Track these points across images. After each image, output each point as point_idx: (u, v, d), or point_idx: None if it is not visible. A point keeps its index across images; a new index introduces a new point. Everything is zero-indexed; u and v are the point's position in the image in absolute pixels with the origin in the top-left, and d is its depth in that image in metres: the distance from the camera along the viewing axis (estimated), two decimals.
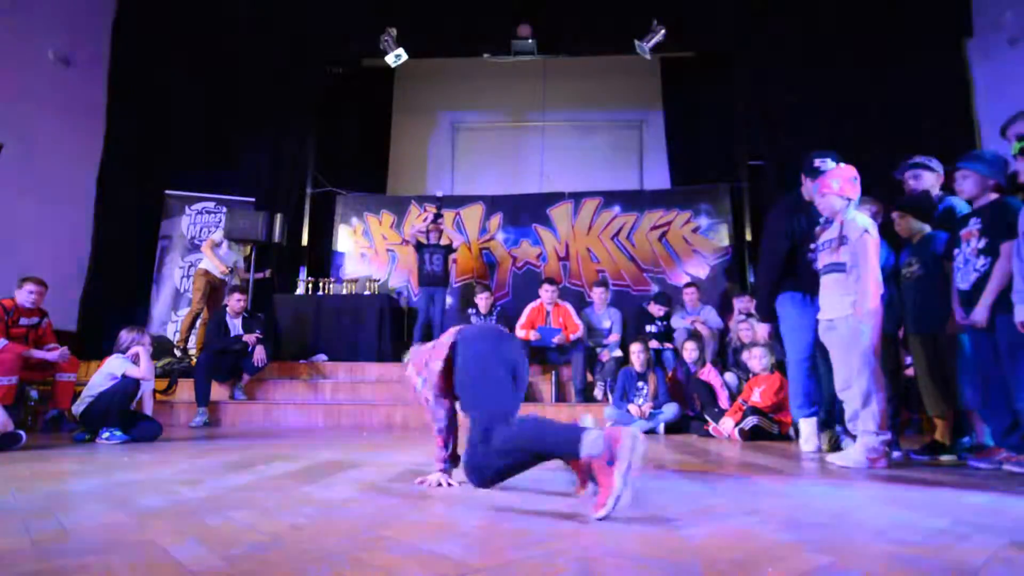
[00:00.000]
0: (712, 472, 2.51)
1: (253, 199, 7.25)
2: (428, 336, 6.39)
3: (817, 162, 3.31)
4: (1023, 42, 6.12)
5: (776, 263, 3.37)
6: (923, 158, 3.29)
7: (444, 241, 6.55)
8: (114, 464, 2.69)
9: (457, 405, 2.12)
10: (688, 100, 8.09)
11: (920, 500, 1.86)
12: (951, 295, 2.80)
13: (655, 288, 7.07)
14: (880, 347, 2.73)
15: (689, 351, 4.93)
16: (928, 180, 3.25)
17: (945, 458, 2.95)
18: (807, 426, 3.32)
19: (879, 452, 2.63)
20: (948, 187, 3.16)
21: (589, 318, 5.97)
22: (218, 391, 5.30)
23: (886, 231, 3.22)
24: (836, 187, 2.80)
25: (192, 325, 6.15)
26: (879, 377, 2.68)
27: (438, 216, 6.46)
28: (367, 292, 7.01)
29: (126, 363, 3.85)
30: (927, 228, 3.10)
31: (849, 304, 2.72)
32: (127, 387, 3.77)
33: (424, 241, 6.49)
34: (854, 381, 2.72)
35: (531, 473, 1.79)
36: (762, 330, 3.79)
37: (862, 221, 2.74)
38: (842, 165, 2.92)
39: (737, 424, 4.10)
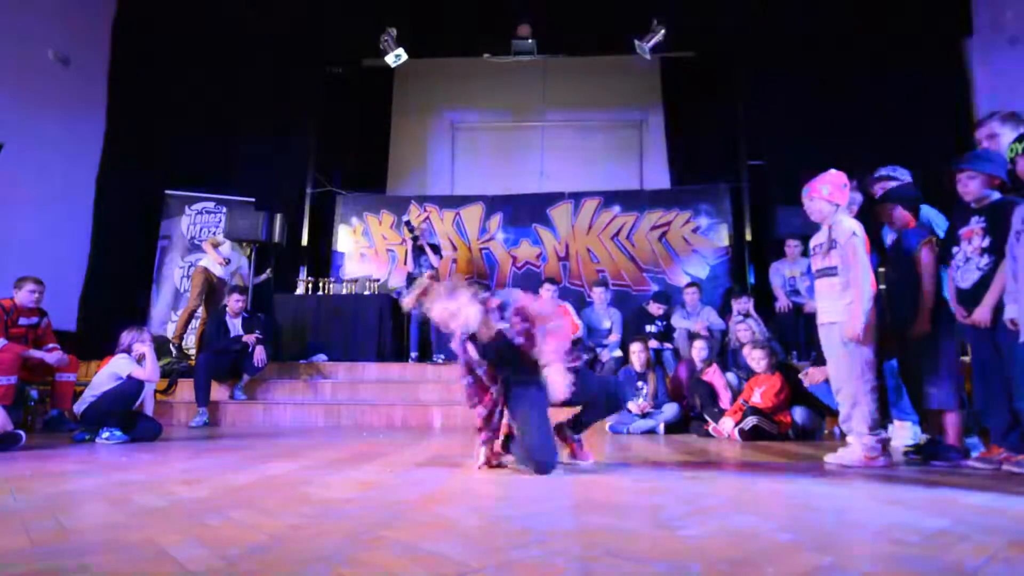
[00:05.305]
0: (712, 472, 2.51)
1: (253, 199, 7.24)
2: (425, 333, 6.39)
3: None
4: (1023, 42, 6.12)
5: None
6: (889, 169, 3.26)
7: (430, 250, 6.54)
8: (114, 464, 2.69)
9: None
10: (688, 100, 8.08)
11: (920, 500, 1.85)
12: (919, 297, 2.79)
13: (655, 288, 7.07)
14: (874, 348, 2.73)
15: (698, 350, 4.88)
16: None
17: (916, 456, 2.86)
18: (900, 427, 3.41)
19: (876, 450, 2.64)
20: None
21: (589, 318, 5.96)
22: (218, 391, 5.30)
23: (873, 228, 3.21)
24: (825, 192, 2.81)
25: (187, 322, 6.11)
26: (870, 379, 2.69)
27: (416, 240, 6.44)
28: (367, 292, 7.01)
29: (132, 364, 3.83)
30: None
31: (844, 307, 2.72)
32: (132, 387, 3.76)
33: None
34: (845, 382, 2.73)
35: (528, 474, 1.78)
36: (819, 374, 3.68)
37: (849, 224, 2.75)
38: (833, 171, 2.91)
39: (737, 424, 4.10)
